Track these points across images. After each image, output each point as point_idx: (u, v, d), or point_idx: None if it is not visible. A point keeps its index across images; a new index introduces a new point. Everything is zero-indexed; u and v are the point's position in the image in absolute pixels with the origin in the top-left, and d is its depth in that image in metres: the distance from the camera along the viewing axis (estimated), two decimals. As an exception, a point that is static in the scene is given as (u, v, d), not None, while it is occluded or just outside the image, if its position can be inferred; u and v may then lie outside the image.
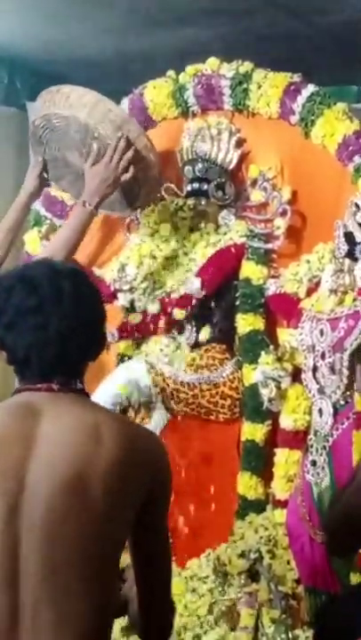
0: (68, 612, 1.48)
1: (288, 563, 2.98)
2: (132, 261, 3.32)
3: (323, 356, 2.88)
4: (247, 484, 3.15)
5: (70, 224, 2.98)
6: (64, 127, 2.97)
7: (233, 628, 2.88)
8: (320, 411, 2.89)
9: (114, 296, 3.36)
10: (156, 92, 3.38)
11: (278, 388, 3.03)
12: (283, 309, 3.16)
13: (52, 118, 2.98)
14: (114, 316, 3.41)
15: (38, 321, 1.58)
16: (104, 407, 1.70)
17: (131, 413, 3.30)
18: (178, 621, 2.94)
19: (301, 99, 3.13)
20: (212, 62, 3.32)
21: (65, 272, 1.64)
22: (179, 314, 3.24)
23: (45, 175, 3.19)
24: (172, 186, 3.39)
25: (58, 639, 1.47)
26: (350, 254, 2.89)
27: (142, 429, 1.75)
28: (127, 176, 2.93)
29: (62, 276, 1.62)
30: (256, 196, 3.25)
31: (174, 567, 3.11)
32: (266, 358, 3.05)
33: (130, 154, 2.91)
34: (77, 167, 3.06)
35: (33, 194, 3.23)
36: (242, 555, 3.02)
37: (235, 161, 3.28)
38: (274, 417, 3.13)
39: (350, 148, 3.03)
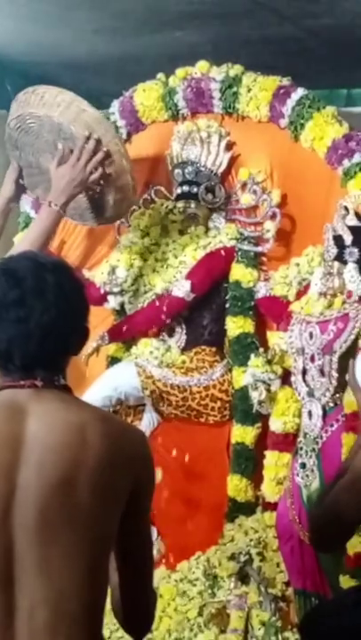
0: (63, 611, 1.49)
1: (278, 565, 2.99)
2: (122, 264, 3.32)
3: (312, 359, 2.89)
4: (237, 487, 3.16)
5: (36, 225, 2.91)
6: (37, 128, 2.92)
7: (223, 631, 2.88)
8: (310, 413, 2.90)
9: (104, 299, 3.36)
10: (145, 95, 3.38)
11: (268, 390, 3.04)
12: (272, 312, 3.18)
13: (27, 119, 2.92)
14: (104, 318, 3.41)
15: (20, 314, 1.58)
16: (88, 404, 1.70)
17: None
18: (167, 624, 2.94)
19: (291, 102, 3.14)
20: (201, 65, 3.32)
21: (48, 265, 1.64)
22: None
23: (22, 182, 3.15)
24: (162, 189, 3.40)
25: (54, 638, 1.49)
26: (340, 257, 2.90)
27: (126, 427, 1.75)
28: (95, 177, 2.86)
29: (46, 269, 1.62)
30: (246, 199, 3.26)
31: (164, 570, 3.13)
32: (256, 361, 3.06)
33: (100, 156, 2.84)
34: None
35: (10, 199, 3.19)
36: (232, 557, 3.02)
37: (224, 164, 3.29)
38: (264, 419, 3.14)
39: (339, 152, 3.05)
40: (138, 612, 1.69)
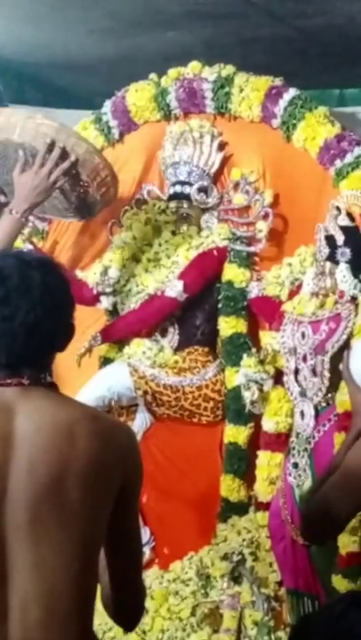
0: (55, 608, 1.51)
1: (271, 565, 2.99)
2: (114, 264, 3.32)
3: (304, 359, 2.89)
4: (230, 487, 3.16)
5: None
6: (3, 151, 2.87)
7: (216, 631, 2.89)
8: (302, 413, 2.90)
9: (97, 299, 3.36)
10: (138, 96, 3.38)
11: (260, 390, 3.04)
12: (265, 312, 3.18)
13: None
14: (97, 319, 3.41)
15: (5, 312, 1.58)
16: (76, 401, 1.70)
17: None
18: (160, 624, 2.94)
19: (283, 102, 3.15)
20: (194, 65, 3.33)
21: (34, 263, 1.63)
22: None
23: (4, 198, 3.04)
24: (155, 189, 3.40)
25: (46, 636, 1.50)
26: (332, 257, 2.90)
27: (115, 424, 1.75)
28: (60, 183, 2.79)
29: (31, 267, 1.61)
30: (238, 199, 3.26)
31: (157, 570, 3.13)
32: (248, 361, 3.06)
33: (66, 165, 2.77)
34: None
35: None
36: (224, 557, 3.03)
37: (217, 164, 3.29)
38: (256, 419, 3.15)
39: (331, 152, 3.05)
40: (128, 605, 1.71)
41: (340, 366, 2.70)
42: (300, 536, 2.61)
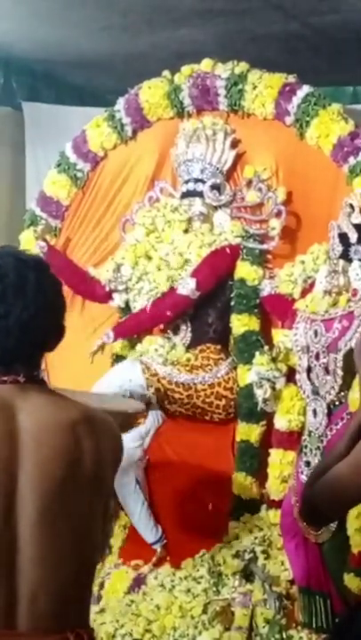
0: (63, 599, 1.55)
1: (282, 563, 2.99)
2: (127, 262, 3.33)
3: (317, 357, 2.88)
4: (242, 485, 3.16)
5: None
6: None
7: (227, 628, 2.88)
8: (314, 411, 2.89)
9: (109, 296, 3.36)
10: (151, 93, 3.39)
11: (273, 388, 3.04)
12: (277, 310, 3.17)
13: None
14: (109, 316, 3.42)
15: (0, 310, 1.60)
16: (69, 398, 1.72)
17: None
18: (171, 621, 2.94)
19: (296, 99, 3.15)
20: (207, 63, 3.33)
21: (30, 262, 1.66)
22: None
23: None
24: (168, 186, 3.40)
25: (54, 626, 1.53)
26: (345, 255, 2.89)
27: (107, 423, 1.77)
28: None
29: (27, 266, 1.64)
30: (251, 196, 3.26)
31: (169, 568, 3.13)
32: (260, 359, 3.05)
33: None
34: None
35: None
36: (236, 555, 3.03)
37: (230, 162, 3.29)
38: (268, 417, 3.14)
39: (345, 149, 3.05)
40: None
41: (353, 342, 2.68)
42: (299, 515, 2.60)
